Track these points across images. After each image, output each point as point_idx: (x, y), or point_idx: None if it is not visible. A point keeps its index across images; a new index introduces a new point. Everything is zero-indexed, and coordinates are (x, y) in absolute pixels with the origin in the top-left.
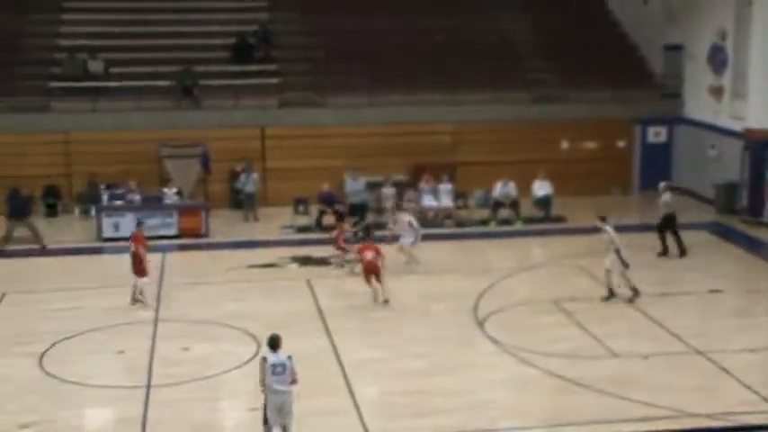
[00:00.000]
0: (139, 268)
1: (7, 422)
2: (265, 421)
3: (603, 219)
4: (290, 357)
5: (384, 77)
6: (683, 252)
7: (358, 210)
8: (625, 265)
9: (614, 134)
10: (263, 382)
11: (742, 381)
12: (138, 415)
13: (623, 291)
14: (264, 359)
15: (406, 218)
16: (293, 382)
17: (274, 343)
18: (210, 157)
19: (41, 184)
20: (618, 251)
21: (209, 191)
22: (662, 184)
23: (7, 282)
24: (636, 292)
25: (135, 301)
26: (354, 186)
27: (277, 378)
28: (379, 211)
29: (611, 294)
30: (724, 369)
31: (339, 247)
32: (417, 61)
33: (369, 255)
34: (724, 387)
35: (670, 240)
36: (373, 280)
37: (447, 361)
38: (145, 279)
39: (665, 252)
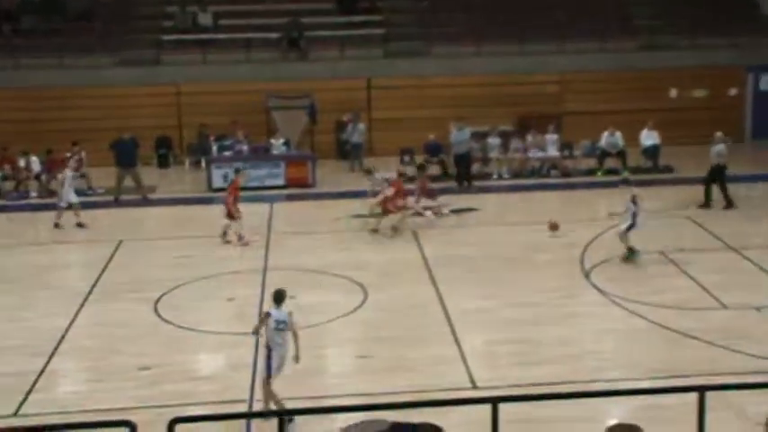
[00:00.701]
0: (228, 213)
1: (127, 364)
2: (269, 375)
3: (629, 181)
4: (290, 313)
5: (489, 27)
6: (729, 204)
7: (463, 160)
8: (628, 228)
9: (725, 82)
10: (257, 331)
11: None
12: (248, 360)
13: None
14: (268, 314)
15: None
16: (295, 336)
17: (279, 297)
18: (317, 108)
19: (153, 136)
20: (634, 216)
21: (316, 141)
22: (718, 134)
23: (122, 230)
24: (632, 251)
25: (235, 239)
26: (459, 136)
27: (279, 333)
28: (485, 161)
29: (632, 252)
30: None
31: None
32: (522, 10)
33: (387, 191)
34: None
35: (716, 192)
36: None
37: (553, 311)
38: (235, 222)
39: (707, 205)
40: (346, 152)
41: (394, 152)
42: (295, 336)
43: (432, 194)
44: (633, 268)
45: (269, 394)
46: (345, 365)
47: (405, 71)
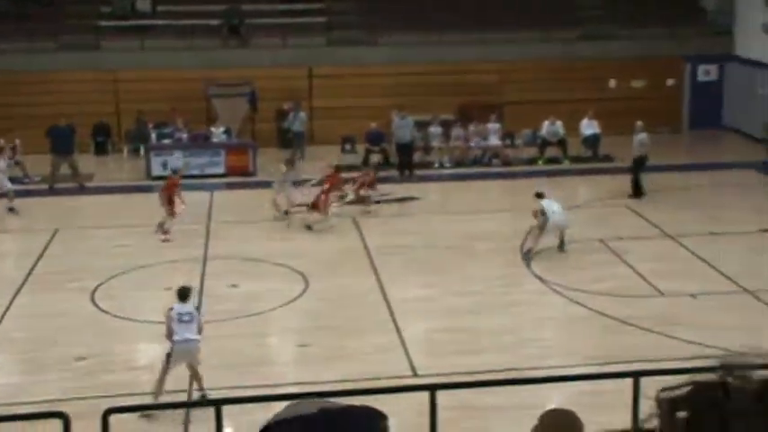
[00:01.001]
0: (167, 210)
1: (64, 354)
2: (166, 365)
3: (540, 195)
4: (197, 308)
5: (430, 16)
6: (640, 194)
7: (405, 149)
8: (538, 232)
9: (663, 72)
10: (169, 333)
11: None
12: None
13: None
14: (171, 309)
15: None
16: (199, 330)
17: (184, 294)
18: (258, 96)
19: (91, 122)
20: (540, 228)
21: (257, 129)
22: (639, 123)
23: (58, 219)
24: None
25: (162, 231)
26: (402, 125)
27: (185, 326)
28: (426, 150)
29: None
30: None
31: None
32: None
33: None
34: None
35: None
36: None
37: (494, 299)
38: (172, 219)
39: (637, 194)
40: (288, 141)
41: (335, 141)
42: (199, 330)
43: (373, 186)
44: (573, 256)
45: (159, 382)
46: (286, 354)
47: (346, 60)
